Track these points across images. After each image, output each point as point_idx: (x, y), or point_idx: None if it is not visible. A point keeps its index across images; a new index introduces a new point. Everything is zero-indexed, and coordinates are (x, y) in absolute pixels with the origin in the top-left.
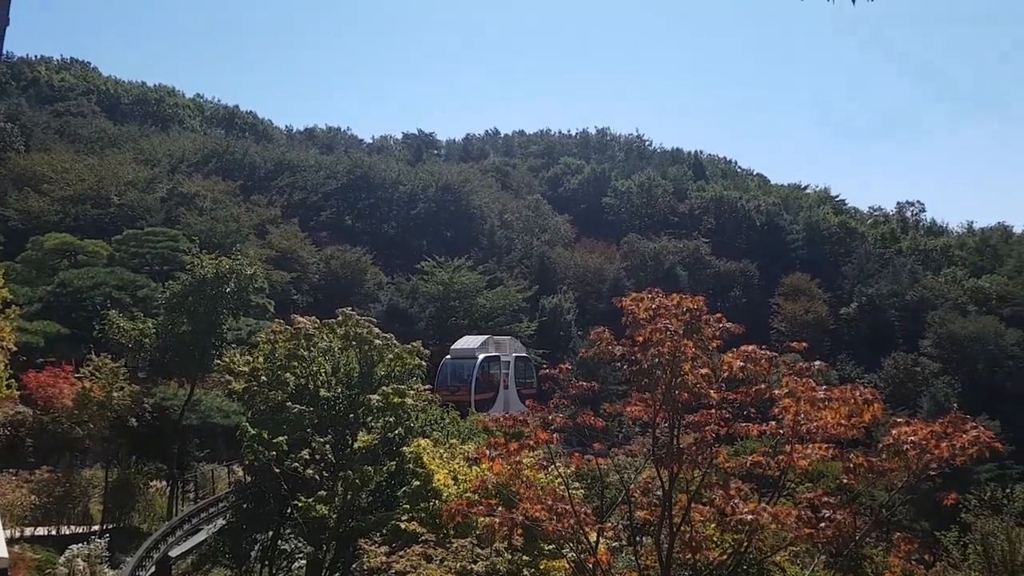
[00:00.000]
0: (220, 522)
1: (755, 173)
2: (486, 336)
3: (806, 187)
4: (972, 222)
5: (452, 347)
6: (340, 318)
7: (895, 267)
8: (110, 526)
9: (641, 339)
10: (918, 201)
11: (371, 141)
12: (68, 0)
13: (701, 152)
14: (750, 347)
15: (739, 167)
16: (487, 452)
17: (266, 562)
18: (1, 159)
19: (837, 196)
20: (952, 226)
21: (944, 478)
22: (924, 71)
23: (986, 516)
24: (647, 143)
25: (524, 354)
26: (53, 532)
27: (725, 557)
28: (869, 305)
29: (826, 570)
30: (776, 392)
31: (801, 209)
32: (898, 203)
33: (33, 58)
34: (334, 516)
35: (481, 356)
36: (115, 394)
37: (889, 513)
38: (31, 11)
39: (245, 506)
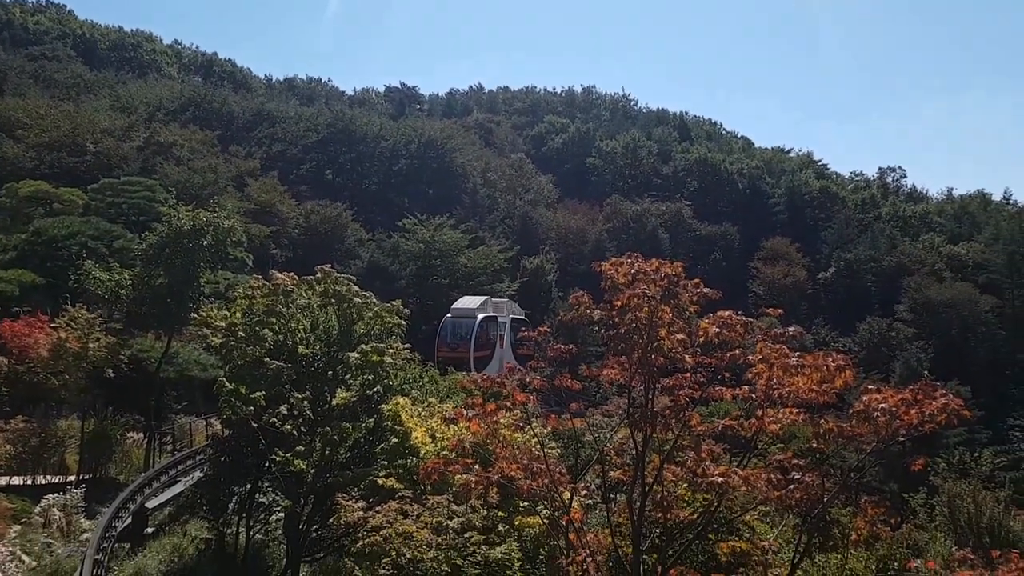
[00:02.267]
0: (197, 474)
1: (739, 136)
2: (485, 297)
3: (789, 151)
4: (952, 189)
5: (452, 306)
6: (319, 275)
7: (874, 232)
8: (86, 477)
9: (619, 304)
10: (899, 167)
11: (352, 93)
12: None
13: (686, 113)
14: (726, 313)
15: (724, 129)
16: (464, 412)
17: (244, 514)
18: None
19: (820, 161)
20: (932, 192)
21: (914, 442)
22: (909, 36)
23: (954, 479)
24: (633, 103)
25: (521, 316)
26: (29, 482)
27: (695, 516)
28: (847, 270)
29: (796, 531)
30: (750, 358)
31: (784, 173)
32: (879, 168)
33: (7, 0)
34: (312, 471)
35: (480, 316)
36: (91, 345)
37: (858, 476)
38: None
39: (223, 459)
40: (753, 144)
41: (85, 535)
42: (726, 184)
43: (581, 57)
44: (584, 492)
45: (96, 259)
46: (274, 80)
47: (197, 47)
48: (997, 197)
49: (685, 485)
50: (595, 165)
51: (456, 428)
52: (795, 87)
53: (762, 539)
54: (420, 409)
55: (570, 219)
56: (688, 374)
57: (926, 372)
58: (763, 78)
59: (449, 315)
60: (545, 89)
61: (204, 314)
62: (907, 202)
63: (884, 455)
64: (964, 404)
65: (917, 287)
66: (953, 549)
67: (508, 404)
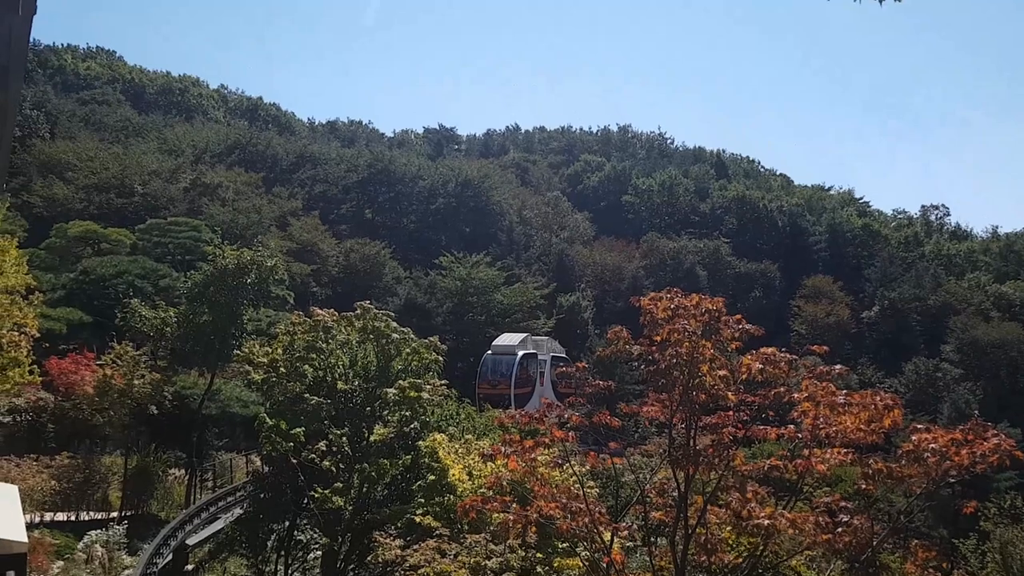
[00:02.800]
0: (237, 511)
1: (778, 173)
2: (525, 334)
3: (830, 188)
4: (997, 227)
5: (493, 343)
6: (359, 311)
7: (918, 271)
8: (128, 513)
9: (659, 339)
10: (942, 204)
11: (392, 135)
12: None
13: (723, 151)
14: (769, 349)
15: (762, 167)
16: (502, 449)
17: (282, 552)
18: (27, 146)
19: (861, 198)
20: (976, 231)
21: (963, 486)
22: (953, 73)
23: (1005, 525)
24: (669, 141)
25: (562, 354)
26: (72, 518)
27: (740, 560)
28: (891, 309)
29: None
30: (796, 396)
31: (824, 211)
32: (922, 206)
33: (59, 46)
34: (350, 508)
35: (520, 353)
36: (136, 382)
37: (907, 520)
38: None
39: (262, 496)
40: (792, 181)
41: (126, 572)
42: (765, 222)
43: (616, 96)
44: (625, 533)
45: (142, 297)
46: (317, 123)
47: (243, 91)
48: None
49: (729, 528)
50: (631, 203)
51: (493, 465)
52: (835, 124)
53: None
54: (457, 446)
55: (606, 256)
56: (730, 412)
57: (976, 413)
58: (802, 115)
59: (490, 352)
60: (581, 128)
61: (247, 350)
62: (951, 240)
63: (933, 499)
64: (1016, 445)
65: (964, 327)
66: None
67: (547, 441)
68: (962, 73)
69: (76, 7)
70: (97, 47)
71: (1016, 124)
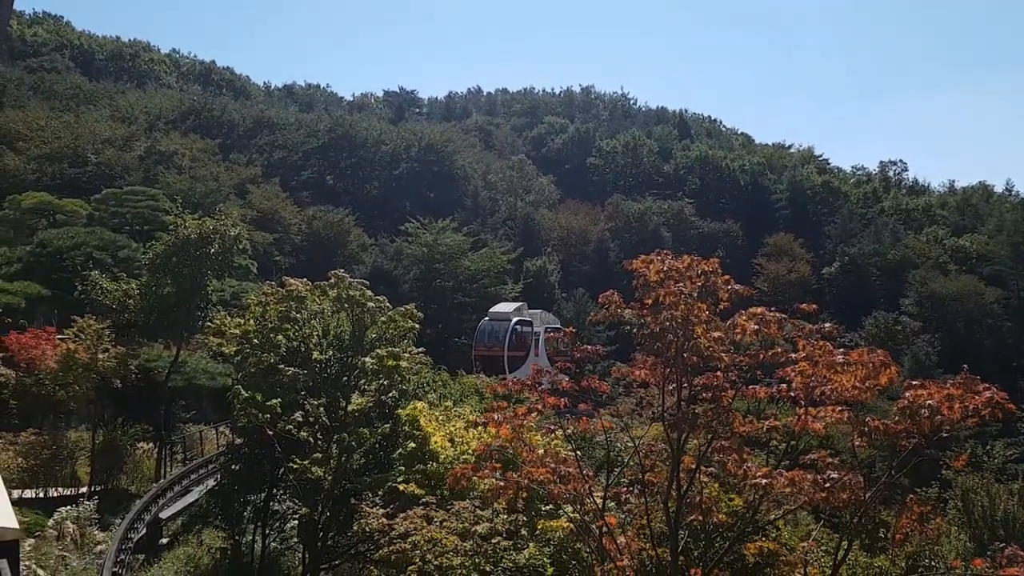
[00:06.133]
0: (210, 483)
1: (739, 132)
2: (520, 304)
3: (790, 147)
4: (954, 181)
5: (490, 311)
6: (332, 280)
7: (877, 226)
8: (98, 488)
9: (650, 302)
10: (900, 160)
11: (351, 99)
12: None
13: (686, 111)
14: (759, 309)
15: (724, 126)
16: (495, 416)
17: (259, 523)
18: None
19: (820, 156)
20: (934, 185)
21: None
22: (913, 29)
23: (966, 473)
24: (632, 102)
25: (556, 325)
26: (41, 495)
27: (729, 519)
28: (851, 265)
29: (822, 531)
30: (793, 355)
31: (785, 169)
32: (881, 162)
33: None
34: (329, 478)
35: (514, 320)
36: (100, 356)
37: (896, 475)
38: None
39: (236, 468)
40: (753, 140)
41: (99, 547)
42: (728, 181)
43: (579, 57)
44: (613, 495)
45: (102, 269)
46: (272, 87)
47: (195, 55)
48: (999, 189)
49: (717, 486)
50: (596, 165)
51: (476, 432)
52: (795, 82)
53: (785, 541)
54: (437, 413)
55: (572, 219)
56: (720, 373)
57: (965, 367)
58: (762, 73)
59: (487, 318)
60: (543, 90)
61: (218, 322)
62: (909, 195)
63: (922, 455)
64: (1007, 397)
65: (922, 280)
66: (968, 543)
67: (539, 407)
68: (921, 33)
69: None
70: (44, 12)
71: (973, 82)
